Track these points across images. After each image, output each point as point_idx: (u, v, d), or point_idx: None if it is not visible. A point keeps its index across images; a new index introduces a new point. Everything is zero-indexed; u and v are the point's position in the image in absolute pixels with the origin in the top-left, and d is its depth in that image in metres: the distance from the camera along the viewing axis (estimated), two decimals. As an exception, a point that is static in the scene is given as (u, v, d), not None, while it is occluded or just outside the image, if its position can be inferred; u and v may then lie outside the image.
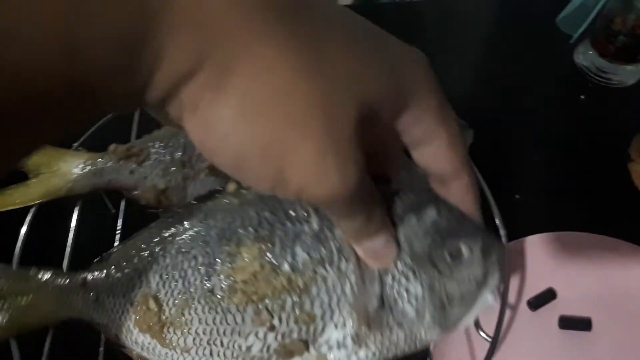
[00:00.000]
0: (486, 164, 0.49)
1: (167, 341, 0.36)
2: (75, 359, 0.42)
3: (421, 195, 0.36)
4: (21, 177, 0.48)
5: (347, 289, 0.34)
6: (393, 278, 0.34)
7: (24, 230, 0.46)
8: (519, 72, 0.70)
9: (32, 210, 0.47)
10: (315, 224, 0.35)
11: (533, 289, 0.52)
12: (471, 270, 0.34)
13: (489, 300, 0.34)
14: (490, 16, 0.77)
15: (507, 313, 0.49)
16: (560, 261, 0.53)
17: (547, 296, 0.51)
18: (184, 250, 0.37)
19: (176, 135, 0.49)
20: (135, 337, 0.38)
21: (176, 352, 0.36)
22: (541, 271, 0.52)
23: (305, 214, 0.36)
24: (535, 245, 0.53)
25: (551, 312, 0.51)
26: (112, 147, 0.49)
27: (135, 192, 0.48)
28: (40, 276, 0.40)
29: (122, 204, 0.50)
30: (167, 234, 0.39)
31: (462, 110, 0.47)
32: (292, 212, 0.36)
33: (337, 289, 0.34)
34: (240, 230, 0.36)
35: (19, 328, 0.40)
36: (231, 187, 0.39)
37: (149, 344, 0.37)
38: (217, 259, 0.36)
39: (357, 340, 0.34)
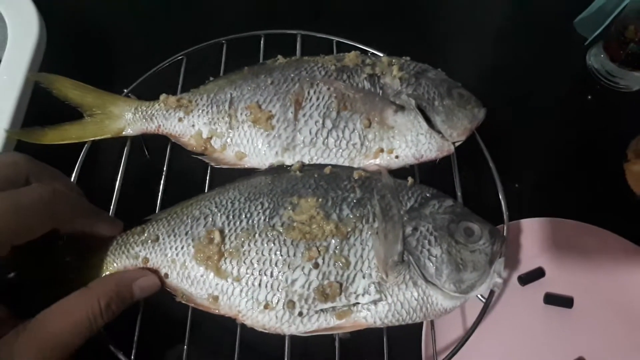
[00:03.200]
0: (491, 150, 0.57)
1: (222, 270, 0.44)
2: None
3: (438, 192, 0.49)
4: (76, 115, 0.55)
5: (376, 244, 0.43)
6: (417, 241, 0.44)
7: (77, 165, 0.53)
8: (532, 67, 0.77)
9: (85, 148, 0.54)
10: (358, 194, 0.46)
11: (524, 266, 0.60)
12: (481, 245, 0.44)
13: (498, 282, 0.44)
14: (511, 11, 0.84)
15: (500, 284, 0.57)
16: (551, 244, 0.61)
17: (536, 274, 0.59)
18: (252, 198, 0.46)
19: (223, 89, 0.55)
20: (188, 272, 0.46)
21: (227, 282, 0.44)
22: (534, 251, 0.60)
23: (351, 187, 0.47)
24: (531, 228, 0.61)
25: (538, 289, 0.59)
26: (163, 96, 0.55)
27: (182, 139, 0.55)
28: None
29: (168, 148, 0.56)
30: (234, 191, 0.48)
31: (475, 91, 0.56)
32: (341, 184, 0.47)
33: (368, 242, 0.44)
34: (302, 190, 0.46)
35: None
36: (296, 165, 0.50)
37: (202, 276, 0.45)
38: (281, 205, 0.44)
39: (378, 288, 0.43)
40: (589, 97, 0.75)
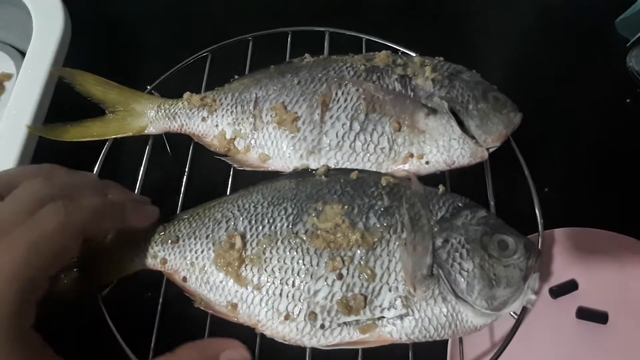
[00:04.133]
0: (524, 155, 0.55)
1: (242, 277, 0.43)
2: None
3: (471, 201, 0.47)
4: (99, 111, 0.54)
5: (404, 256, 0.41)
6: (448, 254, 0.42)
7: (98, 163, 0.52)
8: (571, 68, 0.74)
9: (106, 145, 0.53)
10: (386, 202, 0.45)
11: (556, 278, 0.57)
12: (516, 259, 0.42)
13: (532, 298, 0.42)
14: (549, 9, 0.81)
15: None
16: (585, 256, 0.58)
17: (568, 286, 0.57)
18: (275, 203, 0.44)
19: (248, 88, 0.54)
20: (207, 277, 0.44)
21: (247, 289, 0.43)
22: (566, 262, 0.58)
23: (378, 194, 0.45)
24: (564, 238, 0.59)
25: (571, 302, 0.56)
26: (186, 94, 0.54)
27: (205, 139, 0.53)
28: None
29: (191, 148, 0.55)
30: (258, 194, 0.47)
31: (509, 94, 0.53)
32: (368, 190, 0.45)
33: (396, 254, 0.42)
34: (327, 195, 0.44)
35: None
36: (321, 169, 0.49)
37: (221, 282, 0.44)
38: (304, 211, 0.43)
39: (405, 302, 0.41)
40: (628, 100, 0.72)
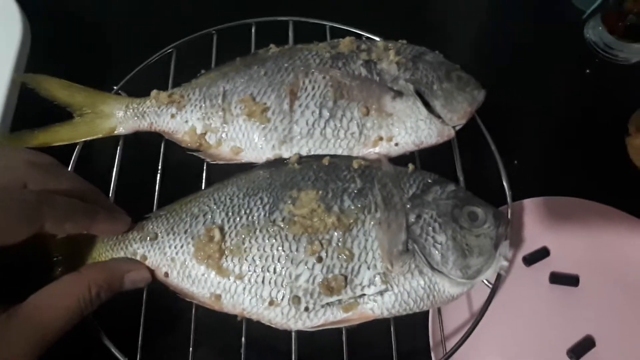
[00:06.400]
0: (488, 127, 0.58)
1: (224, 269, 0.44)
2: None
3: (440, 177, 0.49)
4: (66, 115, 0.54)
5: (380, 234, 0.43)
6: (421, 228, 0.44)
7: (70, 167, 0.53)
8: (530, 42, 0.76)
9: (77, 149, 0.54)
10: (358, 184, 0.47)
11: (529, 246, 0.61)
12: (486, 229, 0.44)
13: (504, 265, 0.44)
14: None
15: (505, 266, 0.58)
16: (555, 223, 0.61)
17: (541, 254, 0.60)
18: (251, 194, 0.46)
19: (215, 82, 0.55)
20: (189, 271, 0.46)
21: (229, 280, 0.44)
22: (537, 231, 0.61)
23: (351, 177, 0.47)
24: (533, 207, 0.61)
25: (543, 268, 0.59)
26: (154, 92, 0.55)
27: (176, 135, 0.54)
28: None
29: (162, 146, 0.56)
30: (233, 187, 0.48)
31: (472, 71, 0.56)
32: (341, 174, 0.47)
33: (372, 233, 0.44)
34: (301, 182, 0.46)
35: None
36: (293, 157, 0.50)
37: (203, 274, 0.45)
38: (280, 199, 0.44)
39: (384, 278, 0.43)
40: (587, 70, 0.75)
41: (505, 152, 0.57)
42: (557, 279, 0.59)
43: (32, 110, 0.58)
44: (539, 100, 0.72)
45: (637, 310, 0.57)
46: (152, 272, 0.47)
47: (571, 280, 0.59)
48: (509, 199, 0.54)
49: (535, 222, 0.61)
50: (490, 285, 0.50)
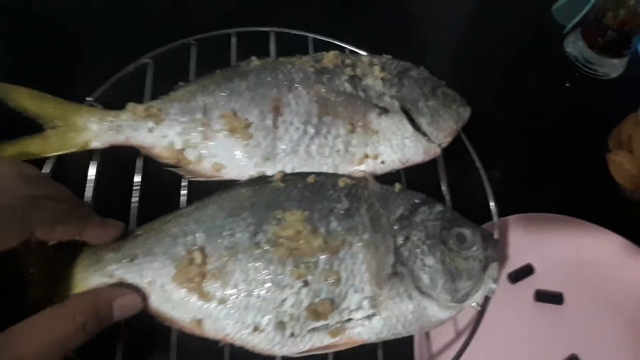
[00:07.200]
0: (473, 143, 0.58)
1: (205, 293, 0.43)
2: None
3: (427, 197, 0.48)
4: (36, 128, 0.52)
5: (368, 257, 0.42)
6: (409, 251, 0.43)
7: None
8: (510, 56, 0.77)
9: (49, 163, 0.51)
10: (345, 204, 0.45)
11: (513, 263, 0.60)
12: (474, 251, 0.44)
13: (492, 287, 0.44)
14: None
15: (490, 285, 0.57)
16: (538, 239, 0.61)
17: (525, 271, 0.60)
18: (233, 214, 0.44)
19: (195, 96, 0.53)
20: (169, 295, 0.44)
21: (211, 304, 0.43)
22: (521, 248, 0.60)
23: (337, 197, 0.46)
24: (518, 224, 0.61)
25: (528, 286, 0.59)
26: (130, 105, 0.53)
27: (154, 151, 0.52)
28: None
29: (140, 161, 0.54)
30: (214, 206, 0.47)
31: (453, 85, 0.55)
32: (327, 194, 0.46)
33: (359, 255, 0.43)
34: (286, 202, 0.44)
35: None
36: (277, 175, 0.49)
37: (184, 298, 0.43)
38: (264, 220, 0.43)
39: (372, 303, 0.42)
40: (568, 84, 0.75)
41: (489, 168, 0.57)
42: (542, 296, 0.59)
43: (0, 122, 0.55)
44: (519, 115, 0.72)
45: (621, 328, 0.58)
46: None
47: (555, 298, 0.59)
48: (495, 218, 0.54)
49: (520, 239, 0.61)
50: (479, 308, 0.49)
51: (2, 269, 0.42)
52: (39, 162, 0.51)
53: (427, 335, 0.50)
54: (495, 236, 0.52)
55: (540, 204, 0.62)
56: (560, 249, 0.61)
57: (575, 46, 0.77)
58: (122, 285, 0.45)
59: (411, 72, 0.54)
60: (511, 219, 0.61)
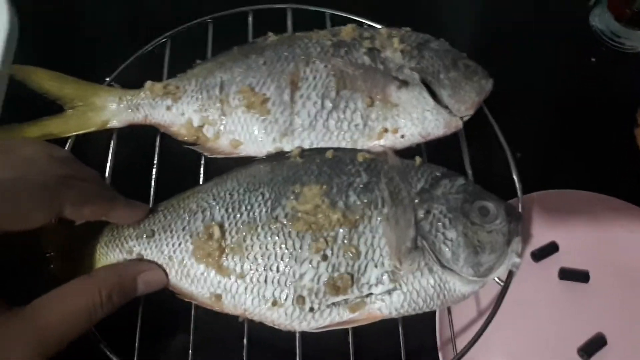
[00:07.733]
0: (495, 117, 0.56)
1: (224, 267, 0.43)
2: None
3: (449, 171, 0.47)
4: (56, 109, 0.52)
5: (387, 231, 0.42)
6: (431, 224, 0.42)
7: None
8: (534, 30, 0.75)
9: (68, 143, 0.52)
10: (364, 178, 0.45)
11: (537, 241, 0.59)
12: (498, 224, 0.43)
13: (517, 262, 0.43)
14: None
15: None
16: (564, 217, 0.60)
17: (549, 249, 0.59)
18: (252, 189, 0.44)
19: (212, 72, 0.53)
20: (187, 270, 0.44)
21: (230, 279, 0.43)
22: (545, 225, 0.59)
23: (356, 171, 0.45)
24: (542, 201, 0.60)
25: (552, 264, 0.58)
26: (148, 83, 0.53)
27: (172, 129, 0.53)
28: None
29: (158, 139, 0.54)
30: (232, 181, 0.47)
31: (475, 60, 0.54)
32: (345, 168, 0.46)
33: (379, 230, 0.42)
34: (304, 177, 0.44)
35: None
36: (295, 151, 0.48)
37: (203, 274, 0.44)
38: (282, 195, 0.43)
39: (392, 277, 0.42)
40: (593, 59, 0.73)
41: (512, 143, 0.56)
42: (567, 275, 0.57)
43: (21, 103, 0.56)
44: (543, 91, 0.71)
45: (648, 305, 0.56)
46: None
47: (581, 276, 0.57)
48: (519, 193, 0.53)
49: (544, 217, 0.60)
50: (502, 283, 0.49)
51: (29, 245, 0.44)
52: (59, 142, 0.52)
53: (448, 311, 0.49)
54: (519, 210, 0.51)
55: (566, 181, 0.61)
56: (587, 226, 0.60)
57: (601, 19, 0.74)
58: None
59: (431, 44, 0.53)
60: (535, 195, 0.60)
